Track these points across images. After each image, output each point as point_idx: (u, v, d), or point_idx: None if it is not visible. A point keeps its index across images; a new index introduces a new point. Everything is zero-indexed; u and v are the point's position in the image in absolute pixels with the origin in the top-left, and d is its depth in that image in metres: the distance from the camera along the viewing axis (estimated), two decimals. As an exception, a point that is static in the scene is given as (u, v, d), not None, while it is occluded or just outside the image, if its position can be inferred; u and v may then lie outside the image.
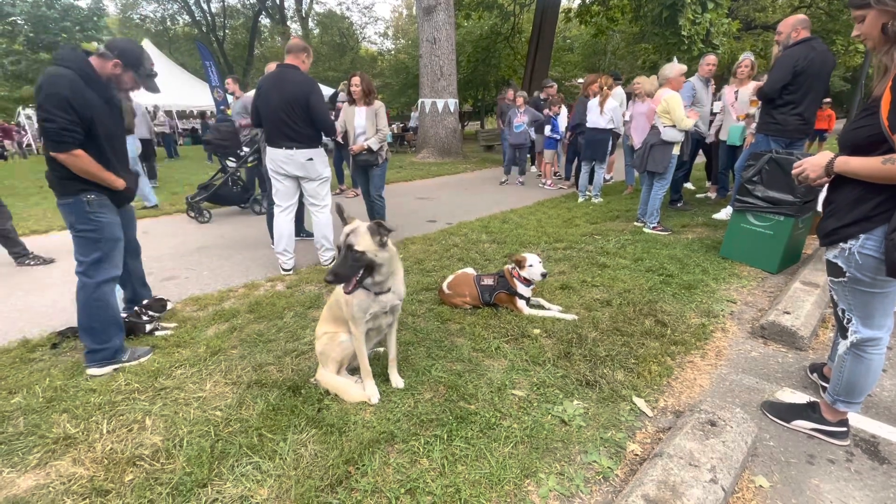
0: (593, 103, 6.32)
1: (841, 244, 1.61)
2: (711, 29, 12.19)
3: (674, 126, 4.55)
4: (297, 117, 3.51)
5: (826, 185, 1.71)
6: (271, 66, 4.39)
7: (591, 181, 6.78)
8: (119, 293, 2.68)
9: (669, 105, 4.50)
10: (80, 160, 2.20)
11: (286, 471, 1.67)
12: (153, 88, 2.46)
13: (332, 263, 1.79)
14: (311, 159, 3.64)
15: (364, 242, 1.81)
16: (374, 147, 4.43)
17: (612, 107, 6.21)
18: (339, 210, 1.95)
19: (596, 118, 6.28)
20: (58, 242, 4.93)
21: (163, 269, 4.12)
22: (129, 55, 2.32)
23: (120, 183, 2.38)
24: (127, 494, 1.58)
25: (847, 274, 1.62)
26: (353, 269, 1.81)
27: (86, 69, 2.20)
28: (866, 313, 1.66)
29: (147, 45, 20.64)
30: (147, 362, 2.44)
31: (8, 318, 3.15)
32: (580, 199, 6.68)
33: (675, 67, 4.78)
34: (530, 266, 2.94)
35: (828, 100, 14.19)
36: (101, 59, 2.27)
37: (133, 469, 1.69)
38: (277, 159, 3.62)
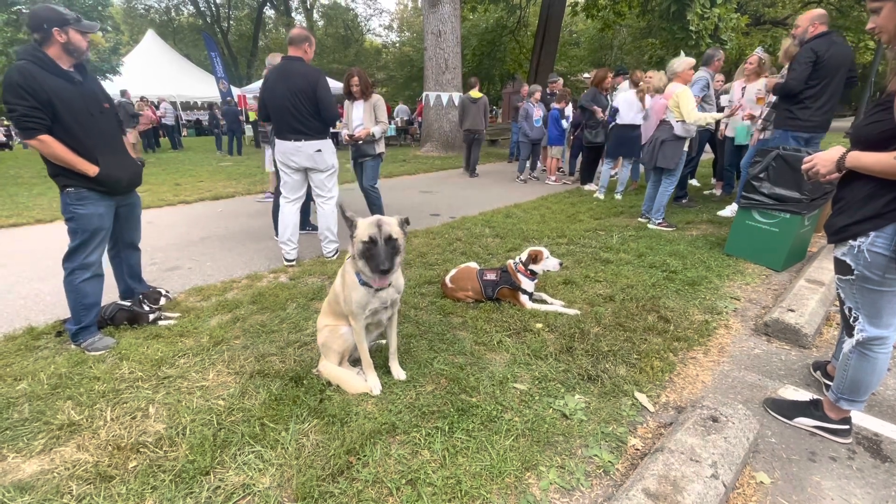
0: (627, 97, 6.05)
1: (850, 241, 1.59)
2: (720, 24, 12.05)
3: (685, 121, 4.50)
4: (305, 109, 3.51)
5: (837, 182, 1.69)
6: (276, 57, 4.37)
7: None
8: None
9: (680, 99, 4.44)
10: (48, 145, 2.23)
11: (288, 460, 1.68)
12: (91, 27, 2.37)
13: (381, 259, 1.81)
14: (319, 150, 3.64)
15: (396, 231, 1.90)
16: (378, 134, 4.49)
17: (649, 102, 6.01)
18: (342, 209, 1.96)
19: (633, 114, 6.01)
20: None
21: (166, 258, 4.13)
22: (47, 13, 2.23)
23: (92, 169, 2.36)
24: (131, 481, 1.59)
25: (855, 272, 1.60)
26: (392, 257, 1.87)
27: (39, 55, 2.21)
28: (874, 312, 1.64)
29: (151, 35, 20.62)
30: (151, 351, 2.45)
31: (13, 305, 3.17)
32: (617, 196, 6.46)
33: (683, 61, 4.72)
34: (547, 258, 2.95)
35: None
36: (43, 41, 2.23)
37: (137, 456, 1.71)
38: (286, 151, 3.63)
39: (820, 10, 4.11)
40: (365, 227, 1.87)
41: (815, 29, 3.95)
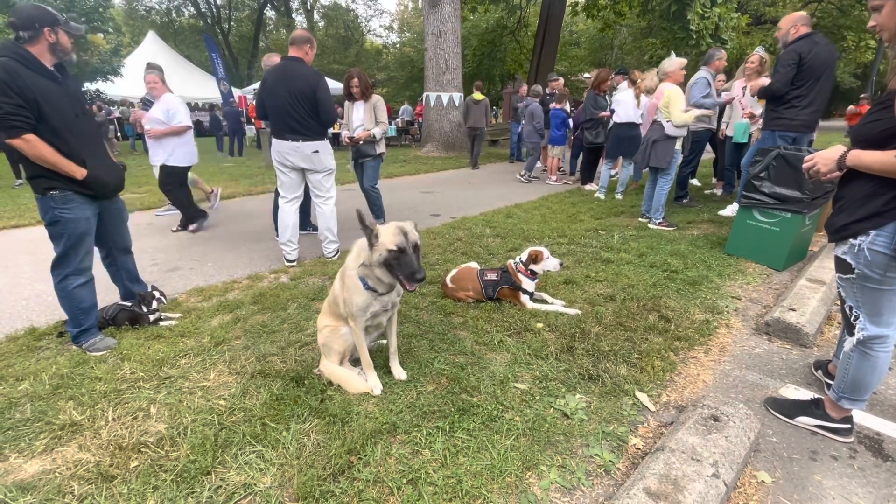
0: (625, 97, 6.09)
1: (850, 240, 1.59)
2: (720, 23, 12.06)
3: None
4: (304, 111, 3.52)
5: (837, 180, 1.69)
6: (272, 58, 4.38)
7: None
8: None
9: (670, 100, 4.46)
10: (33, 145, 2.17)
11: (289, 460, 1.68)
12: (78, 30, 2.37)
13: (416, 267, 1.80)
14: (316, 151, 3.65)
15: (418, 236, 1.86)
16: (378, 135, 4.50)
17: (644, 101, 6.05)
18: (361, 216, 1.84)
19: (631, 112, 6.05)
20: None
21: (167, 259, 4.14)
22: (39, 12, 2.19)
23: (79, 172, 2.31)
24: (132, 480, 1.59)
25: (856, 270, 1.60)
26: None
27: (22, 53, 2.16)
28: (874, 310, 1.64)
29: (152, 37, 20.65)
30: (153, 352, 2.45)
31: (15, 306, 3.18)
32: (618, 196, 6.47)
33: (674, 61, 4.73)
34: (547, 258, 2.95)
35: (864, 95, 14.18)
36: (29, 40, 2.19)
37: (138, 456, 1.71)
38: (283, 151, 3.64)
39: (802, 13, 4.15)
40: (389, 235, 1.80)
41: (798, 31, 3.98)
